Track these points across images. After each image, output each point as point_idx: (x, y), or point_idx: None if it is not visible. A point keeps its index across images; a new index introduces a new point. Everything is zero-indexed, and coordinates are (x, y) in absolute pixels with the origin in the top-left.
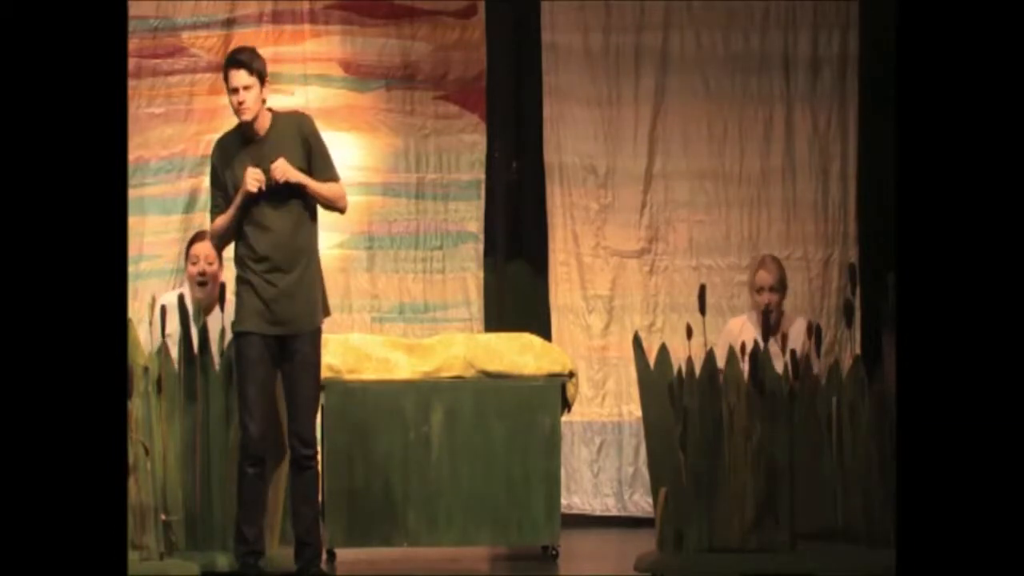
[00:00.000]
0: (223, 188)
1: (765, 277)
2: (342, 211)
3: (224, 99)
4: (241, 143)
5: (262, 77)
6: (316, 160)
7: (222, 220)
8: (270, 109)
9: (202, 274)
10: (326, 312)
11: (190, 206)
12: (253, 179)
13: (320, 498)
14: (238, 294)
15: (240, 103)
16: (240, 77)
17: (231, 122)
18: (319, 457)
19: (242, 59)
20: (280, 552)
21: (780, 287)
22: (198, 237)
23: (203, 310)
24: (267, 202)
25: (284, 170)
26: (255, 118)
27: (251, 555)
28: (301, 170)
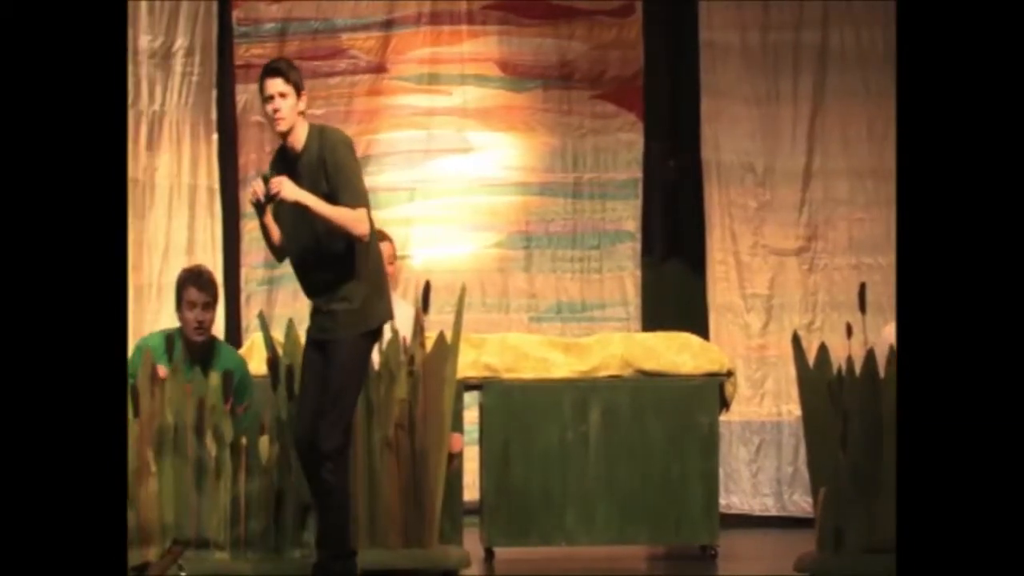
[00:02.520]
0: None
1: None
2: (359, 239)
3: (384, 100)
4: (282, 157)
5: (298, 88)
6: (332, 180)
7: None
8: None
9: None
10: (384, 317)
11: None
12: (252, 190)
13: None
14: None
15: (275, 111)
16: (275, 85)
17: (390, 123)
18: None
19: (279, 67)
20: (439, 550)
21: None
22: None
23: None
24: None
25: (282, 187)
26: (290, 131)
27: (337, 560)
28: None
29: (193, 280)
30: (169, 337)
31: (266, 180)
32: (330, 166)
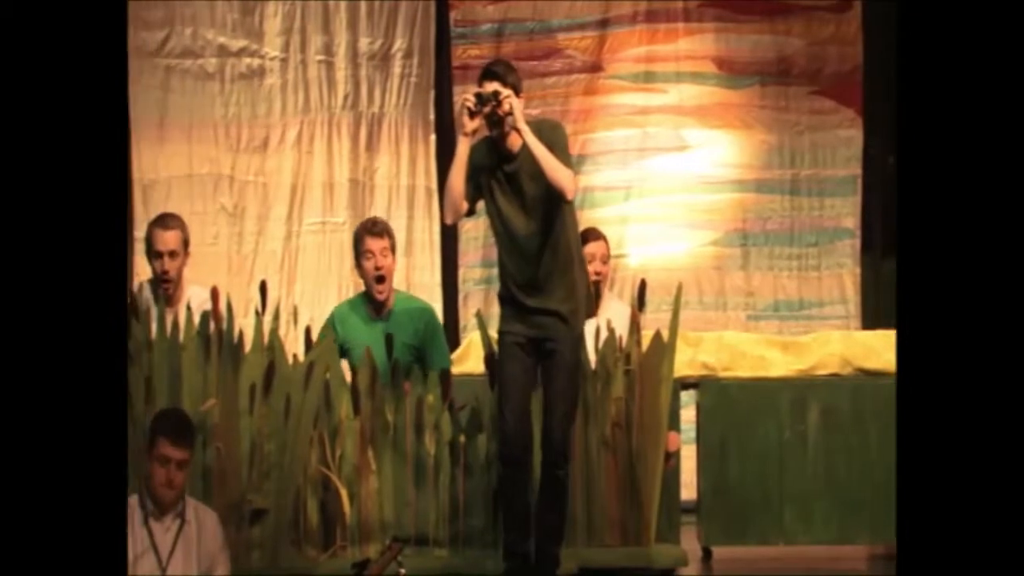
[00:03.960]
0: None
1: None
2: (565, 197)
3: (600, 99)
4: (496, 156)
5: (516, 90)
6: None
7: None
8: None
9: (597, 273)
10: (588, 314)
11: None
12: (472, 93)
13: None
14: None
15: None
16: (493, 88)
17: (606, 122)
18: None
19: (496, 70)
20: (656, 549)
21: None
22: (590, 235)
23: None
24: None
25: (512, 101)
26: (507, 133)
27: (513, 557)
28: (548, 190)
29: (368, 229)
30: (352, 304)
31: (516, 192)
32: (544, 143)
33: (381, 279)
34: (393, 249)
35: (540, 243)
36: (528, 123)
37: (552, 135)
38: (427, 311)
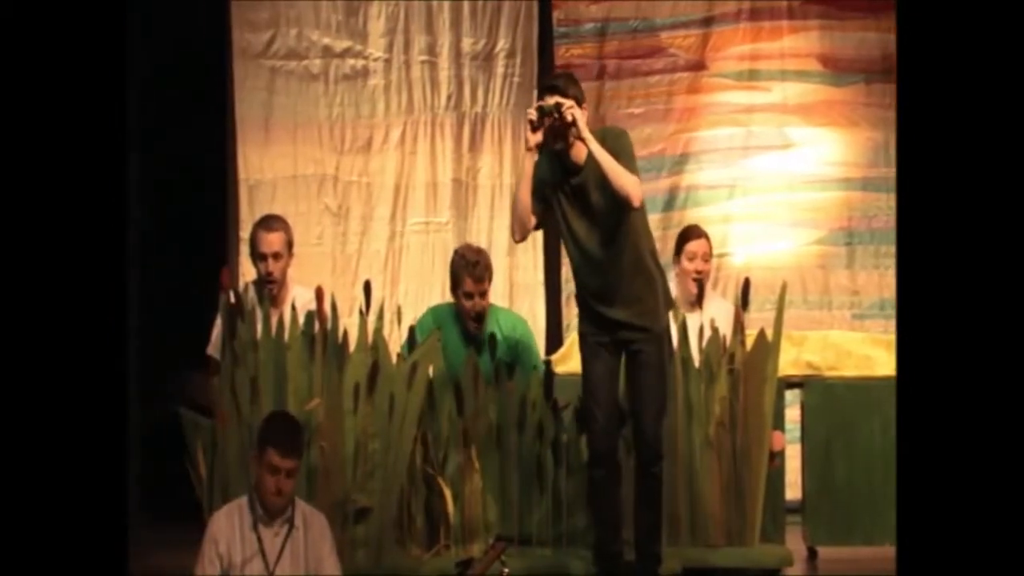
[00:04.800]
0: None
1: None
2: (631, 204)
3: (703, 97)
4: (561, 168)
5: (579, 101)
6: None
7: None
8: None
9: (699, 272)
10: (668, 307)
11: (669, 204)
12: (536, 106)
13: (657, 508)
14: None
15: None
16: (555, 101)
17: (710, 120)
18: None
19: (556, 84)
20: (761, 549)
21: None
22: (692, 233)
23: (689, 305)
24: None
25: (575, 111)
26: (572, 144)
27: (604, 556)
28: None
29: (469, 271)
30: (450, 313)
31: (585, 211)
32: (609, 151)
33: (478, 316)
34: (490, 279)
35: (610, 253)
36: (593, 132)
37: (617, 142)
38: (520, 328)
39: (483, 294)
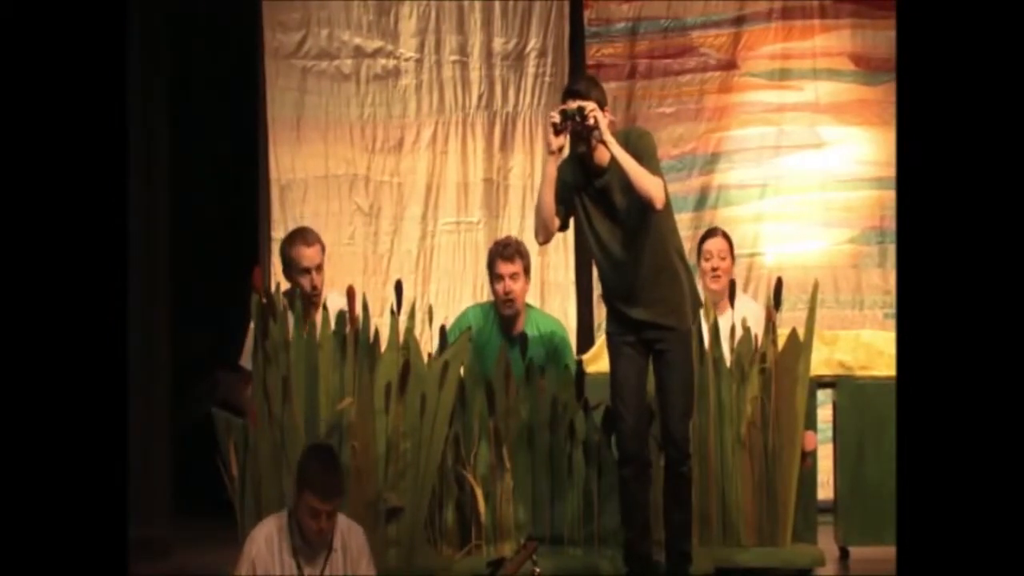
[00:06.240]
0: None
1: None
2: (654, 206)
3: (735, 96)
4: (583, 171)
5: (601, 105)
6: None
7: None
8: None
9: (715, 269)
10: (696, 307)
11: (701, 203)
12: (559, 110)
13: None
14: None
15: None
16: (577, 105)
17: (741, 120)
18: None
19: (579, 89)
20: (793, 549)
21: None
22: (709, 232)
23: (715, 305)
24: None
25: (597, 115)
26: (595, 147)
27: (635, 559)
28: (635, 201)
29: (499, 252)
30: (485, 312)
31: (608, 213)
32: (632, 153)
33: (509, 302)
34: (526, 270)
35: (633, 254)
36: (616, 133)
37: (639, 144)
38: (558, 332)
39: (513, 276)
